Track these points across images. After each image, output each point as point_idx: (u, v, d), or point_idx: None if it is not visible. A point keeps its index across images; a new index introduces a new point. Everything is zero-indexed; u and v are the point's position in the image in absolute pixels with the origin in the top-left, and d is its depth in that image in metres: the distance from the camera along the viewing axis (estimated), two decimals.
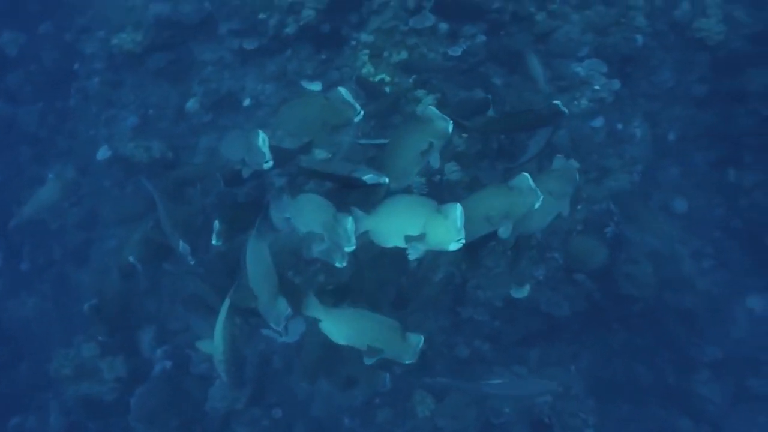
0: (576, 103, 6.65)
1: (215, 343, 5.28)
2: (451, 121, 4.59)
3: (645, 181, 6.91)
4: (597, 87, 6.72)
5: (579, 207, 6.51)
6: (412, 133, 4.70)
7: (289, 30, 6.83)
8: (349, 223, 4.50)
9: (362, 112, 4.86)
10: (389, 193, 4.71)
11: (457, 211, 4.17)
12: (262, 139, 4.93)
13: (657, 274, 6.70)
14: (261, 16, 6.90)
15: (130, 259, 6.59)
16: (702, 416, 6.98)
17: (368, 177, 4.74)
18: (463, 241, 4.20)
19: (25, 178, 8.39)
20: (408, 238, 4.32)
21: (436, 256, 6.34)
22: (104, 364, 7.20)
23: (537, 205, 4.43)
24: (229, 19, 7.19)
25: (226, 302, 5.30)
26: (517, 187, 4.47)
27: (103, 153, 7.63)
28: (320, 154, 6.49)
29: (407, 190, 5.03)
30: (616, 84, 6.76)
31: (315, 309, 4.75)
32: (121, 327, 7.15)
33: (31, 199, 7.59)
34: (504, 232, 4.54)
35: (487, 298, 6.48)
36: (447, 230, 4.21)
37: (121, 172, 7.61)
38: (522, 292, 6.40)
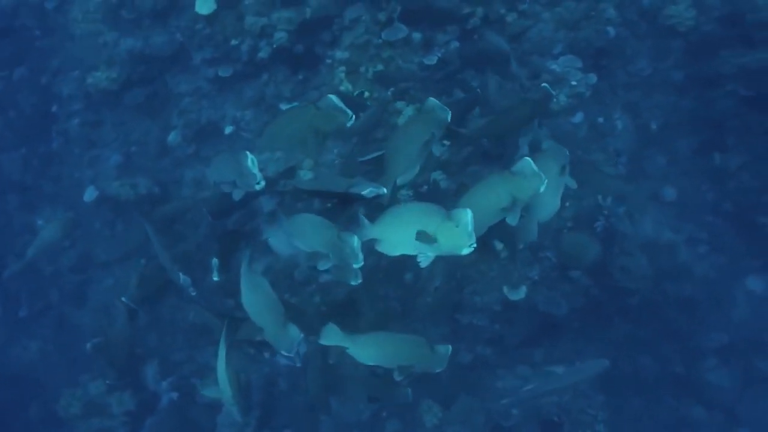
0: (555, 100, 6.65)
1: (222, 388, 5.29)
2: (450, 112, 4.63)
3: (631, 172, 6.92)
4: (574, 83, 6.72)
5: (567, 204, 6.51)
6: (414, 126, 4.75)
7: (263, 54, 6.87)
8: (354, 241, 4.52)
9: (353, 117, 4.86)
10: (396, 188, 4.80)
11: (468, 216, 4.16)
12: (251, 161, 4.94)
13: (653, 265, 6.70)
14: (233, 42, 6.94)
15: (124, 300, 6.62)
16: (714, 403, 6.94)
17: (367, 191, 4.74)
18: (475, 245, 4.20)
19: (16, 226, 8.38)
20: (418, 245, 4.33)
21: (432, 267, 6.38)
22: (113, 400, 7.24)
23: (542, 189, 4.43)
24: (201, 48, 7.20)
25: (222, 344, 5.28)
26: (521, 171, 4.47)
27: (89, 194, 7.65)
28: (306, 175, 6.55)
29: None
30: (593, 78, 6.76)
31: (337, 338, 4.80)
32: (128, 368, 7.19)
33: (35, 241, 7.56)
34: (513, 219, 4.53)
35: (485, 303, 6.46)
36: (459, 236, 4.21)
37: (110, 212, 7.62)
38: (518, 294, 6.40)
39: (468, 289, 6.48)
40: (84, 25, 7.89)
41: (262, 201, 6.45)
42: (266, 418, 6.92)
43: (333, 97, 4.86)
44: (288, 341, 4.78)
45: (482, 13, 6.72)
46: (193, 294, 6.14)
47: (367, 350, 4.82)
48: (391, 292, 6.41)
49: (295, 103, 6.85)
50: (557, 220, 6.45)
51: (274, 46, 6.81)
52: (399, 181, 4.85)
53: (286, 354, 4.83)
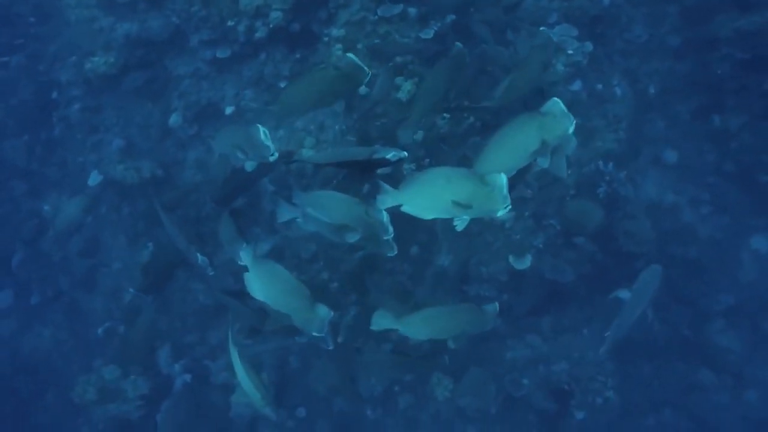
0: (552, 69, 6.65)
1: (248, 393, 5.39)
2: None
3: (632, 137, 6.94)
4: (570, 51, 6.72)
5: (569, 171, 6.53)
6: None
7: (260, 34, 6.85)
8: (384, 216, 4.61)
9: (370, 74, 5.01)
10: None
11: (503, 180, 4.22)
12: (264, 133, 5.00)
13: (657, 228, 6.74)
14: (229, 23, 6.91)
15: (132, 291, 6.69)
16: (723, 366, 7.01)
17: (391, 155, 4.73)
18: (510, 206, 4.26)
19: (23, 212, 8.42)
20: (454, 208, 4.37)
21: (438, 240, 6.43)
22: (127, 384, 7.32)
23: (571, 129, 4.46)
24: (198, 30, 7.19)
25: (234, 351, 5.43)
26: (551, 112, 4.45)
27: (94, 179, 7.68)
28: (308, 152, 6.57)
29: None
30: (589, 46, 6.75)
31: (388, 322, 4.95)
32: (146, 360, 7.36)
33: (57, 218, 7.71)
34: (544, 161, 4.51)
35: (491, 273, 6.51)
36: (494, 199, 4.25)
37: (115, 196, 7.66)
38: (524, 263, 6.44)
39: (474, 260, 6.53)
40: (78, 11, 7.87)
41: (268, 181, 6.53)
42: (280, 397, 7.00)
43: (352, 56, 5.00)
44: (318, 322, 4.83)
45: None
46: (211, 273, 6.18)
47: (419, 329, 4.97)
48: (398, 266, 6.47)
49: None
50: (559, 187, 6.51)
51: (271, 25, 6.79)
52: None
53: (317, 334, 4.86)
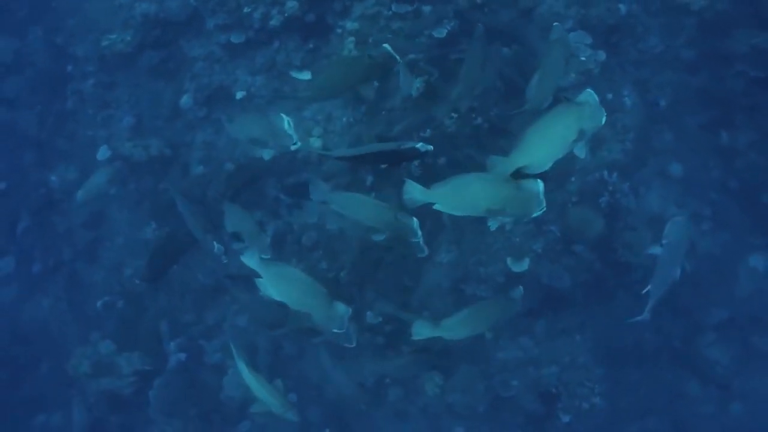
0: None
1: (267, 403, 5.45)
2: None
3: (639, 148, 6.95)
4: (583, 58, 6.73)
5: (573, 179, 6.56)
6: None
7: (275, 22, 6.89)
8: (413, 222, 4.77)
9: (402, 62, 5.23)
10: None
11: (540, 186, 4.31)
12: (288, 122, 5.06)
13: (657, 240, 6.74)
14: (246, 9, 6.95)
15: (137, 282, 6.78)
16: (710, 378, 7.08)
17: (419, 145, 4.72)
18: (545, 208, 4.36)
19: (31, 181, 8.51)
20: (490, 211, 4.43)
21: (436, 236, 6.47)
22: (122, 360, 7.40)
23: (603, 120, 4.50)
24: (214, 14, 7.20)
25: (242, 366, 5.48)
26: (587, 103, 4.48)
27: (103, 153, 7.76)
28: (316, 142, 6.63)
29: None
30: (602, 55, 6.73)
31: (428, 331, 5.07)
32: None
33: (84, 185, 7.74)
34: (581, 151, 4.54)
35: (489, 274, 6.52)
36: (530, 205, 4.36)
37: (122, 171, 7.71)
38: (522, 266, 6.46)
39: (472, 260, 6.56)
40: None
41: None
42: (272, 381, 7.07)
43: (387, 46, 5.23)
44: (338, 319, 4.88)
45: None
46: (225, 261, 6.23)
47: (459, 330, 5.09)
48: (398, 262, 6.53)
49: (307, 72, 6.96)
50: (562, 194, 6.54)
51: (286, 14, 6.84)
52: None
53: (338, 331, 4.91)
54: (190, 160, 7.46)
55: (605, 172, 6.68)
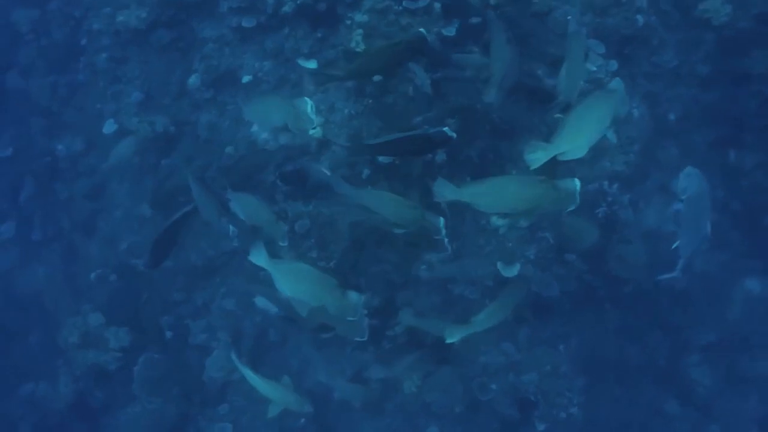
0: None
1: (283, 400, 5.71)
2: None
3: (643, 161, 6.86)
4: (594, 68, 6.65)
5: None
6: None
7: (287, 8, 6.91)
8: (440, 221, 5.00)
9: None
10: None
11: (577, 185, 4.54)
12: (311, 107, 5.08)
13: (651, 255, 6.67)
14: None
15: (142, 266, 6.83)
16: (690, 399, 7.00)
17: (446, 129, 4.95)
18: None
19: (37, 149, 8.61)
20: (524, 211, 4.78)
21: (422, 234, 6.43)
22: (110, 334, 7.46)
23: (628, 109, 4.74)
24: None
25: (248, 372, 5.69)
26: (618, 90, 4.62)
27: (109, 127, 7.85)
28: (317, 133, 6.62)
29: None
30: (614, 65, 6.65)
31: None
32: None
33: (112, 152, 7.76)
34: (612, 136, 4.70)
35: (478, 277, 6.49)
36: (566, 203, 4.58)
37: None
38: (512, 271, 6.40)
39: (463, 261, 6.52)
40: None
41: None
42: (254, 367, 7.05)
43: (423, 30, 5.53)
44: (353, 307, 4.91)
45: None
46: (236, 245, 6.27)
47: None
48: (387, 255, 6.50)
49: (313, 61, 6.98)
50: None
51: (298, 1, 6.85)
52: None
53: (352, 318, 4.94)
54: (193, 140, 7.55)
55: (605, 183, 6.61)
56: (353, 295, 4.89)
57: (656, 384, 7.03)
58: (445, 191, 4.65)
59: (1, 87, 9.03)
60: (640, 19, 6.77)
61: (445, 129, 4.94)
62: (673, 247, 5.77)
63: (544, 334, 6.84)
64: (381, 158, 6.09)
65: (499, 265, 6.42)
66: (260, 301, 5.96)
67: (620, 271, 6.64)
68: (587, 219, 6.52)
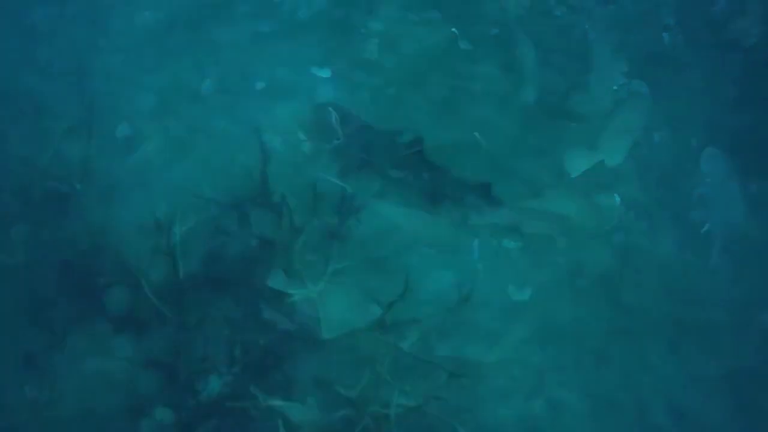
0: None
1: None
2: None
3: (661, 188, 6.67)
4: (615, 87, 6.51)
5: None
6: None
7: (302, 15, 6.89)
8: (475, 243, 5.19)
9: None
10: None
11: (616, 200, 5.09)
12: (335, 117, 5.05)
13: (665, 286, 6.51)
14: None
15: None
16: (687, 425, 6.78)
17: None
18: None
19: (50, 152, 8.59)
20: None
21: None
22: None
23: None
24: (245, 1, 7.25)
25: None
26: (645, 95, 5.39)
27: (122, 131, 7.79)
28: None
29: None
30: (636, 84, 6.55)
31: None
32: None
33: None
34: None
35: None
36: (606, 218, 5.14)
37: None
38: (523, 295, 6.30)
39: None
40: None
41: None
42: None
43: (454, 30, 5.77)
44: None
45: (528, 4, 6.57)
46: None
47: None
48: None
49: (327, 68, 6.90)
50: None
51: (314, 8, 6.85)
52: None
53: None
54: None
55: (622, 209, 6.46)
56: None
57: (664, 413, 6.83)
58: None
59: (14, 86, 9.02)
60: (666, 36, 6.65)
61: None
62: (703, 231, 5.61)
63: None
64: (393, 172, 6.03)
65: (510, 288, 6.32)
66: None
67: (631, 300, 6.48)
68: (602, 244, 6.39)
